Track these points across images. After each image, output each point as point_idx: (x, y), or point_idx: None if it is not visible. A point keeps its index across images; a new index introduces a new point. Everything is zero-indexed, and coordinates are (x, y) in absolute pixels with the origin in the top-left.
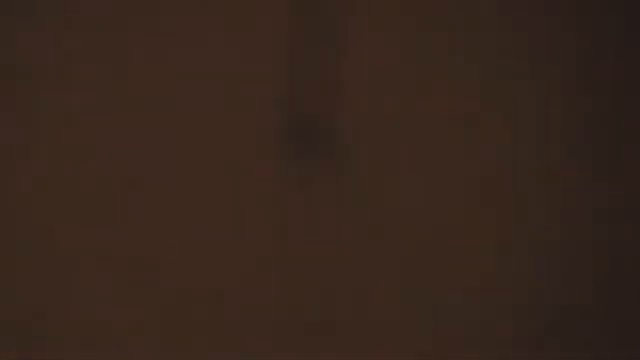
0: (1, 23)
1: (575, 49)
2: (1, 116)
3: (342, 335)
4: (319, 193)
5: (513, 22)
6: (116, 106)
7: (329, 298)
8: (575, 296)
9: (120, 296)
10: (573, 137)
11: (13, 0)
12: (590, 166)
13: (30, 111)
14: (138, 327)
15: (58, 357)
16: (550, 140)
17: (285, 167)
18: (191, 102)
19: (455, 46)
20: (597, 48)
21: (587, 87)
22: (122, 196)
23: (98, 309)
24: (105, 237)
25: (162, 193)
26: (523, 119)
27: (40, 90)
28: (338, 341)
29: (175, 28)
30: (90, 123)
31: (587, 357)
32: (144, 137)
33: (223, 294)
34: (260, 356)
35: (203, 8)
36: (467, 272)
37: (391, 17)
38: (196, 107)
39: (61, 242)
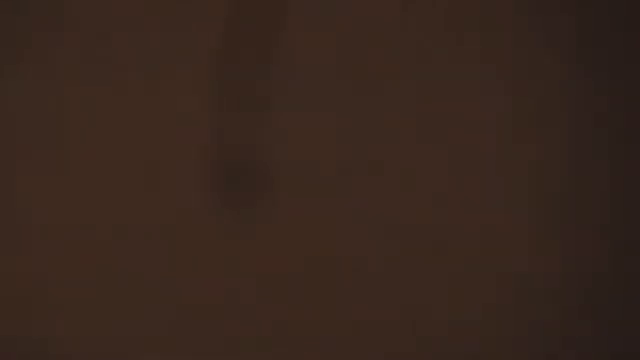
0: None
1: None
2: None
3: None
4: (244, 227)
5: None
6: (52, 150)
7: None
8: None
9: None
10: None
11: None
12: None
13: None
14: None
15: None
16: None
17: (210, 201)
18: (119, 144)
19: (381, 71)
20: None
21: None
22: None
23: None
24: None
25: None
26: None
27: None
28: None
29: (105, 75)
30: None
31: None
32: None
33: (143, 325)
34: None
35: (127, 51)
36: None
37: (315, 57)
38: (123, 147)
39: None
